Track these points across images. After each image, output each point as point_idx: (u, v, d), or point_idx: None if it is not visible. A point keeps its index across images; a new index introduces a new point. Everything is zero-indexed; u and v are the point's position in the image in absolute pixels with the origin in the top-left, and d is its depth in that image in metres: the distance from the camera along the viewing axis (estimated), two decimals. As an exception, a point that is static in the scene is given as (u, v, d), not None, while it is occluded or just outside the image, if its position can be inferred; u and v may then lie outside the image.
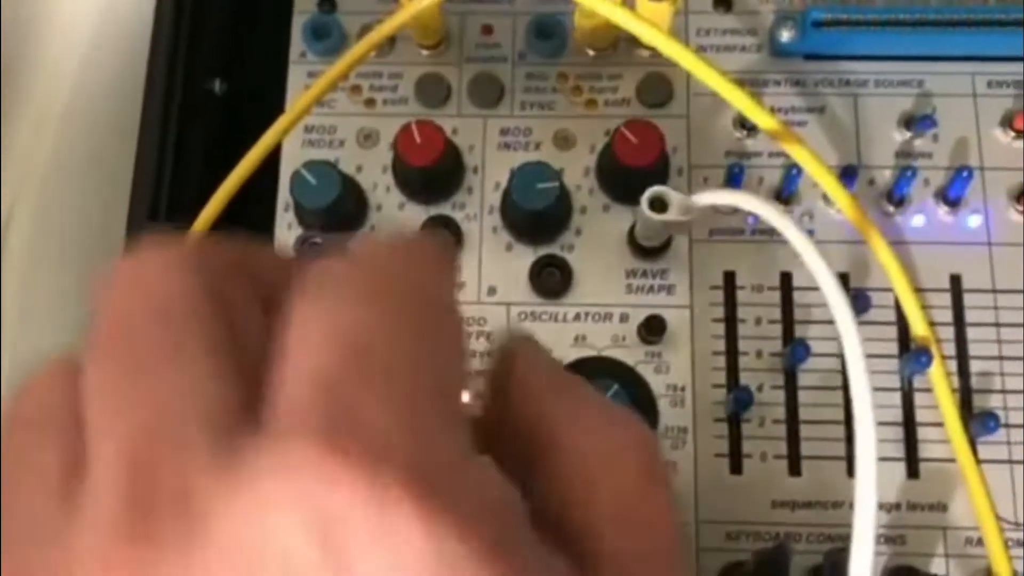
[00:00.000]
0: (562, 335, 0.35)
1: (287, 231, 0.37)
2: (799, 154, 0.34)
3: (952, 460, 0.33)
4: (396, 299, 0.16)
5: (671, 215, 0.32)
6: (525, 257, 0.36)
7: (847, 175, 0.35)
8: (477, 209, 0.37)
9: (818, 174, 0.34)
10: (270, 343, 0.16)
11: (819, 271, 0.27)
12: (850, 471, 0.34)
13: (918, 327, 0.34)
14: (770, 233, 0.36)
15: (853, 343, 0.25)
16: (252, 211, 0.36)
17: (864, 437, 0.24)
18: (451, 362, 0.16)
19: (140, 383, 0.15)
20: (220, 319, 0.16)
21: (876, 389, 0.33)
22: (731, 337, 0.35)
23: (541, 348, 0.20)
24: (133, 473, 0.14)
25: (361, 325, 0.15)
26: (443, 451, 0.15)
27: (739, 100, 0.34)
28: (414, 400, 0.15)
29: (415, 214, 0.37)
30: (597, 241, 0.36)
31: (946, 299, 0.35)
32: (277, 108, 0.38)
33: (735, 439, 0.34)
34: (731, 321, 0.35)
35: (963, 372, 0.35)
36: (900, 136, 0.37)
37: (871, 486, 0.24)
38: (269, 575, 0.13)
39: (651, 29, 0.33)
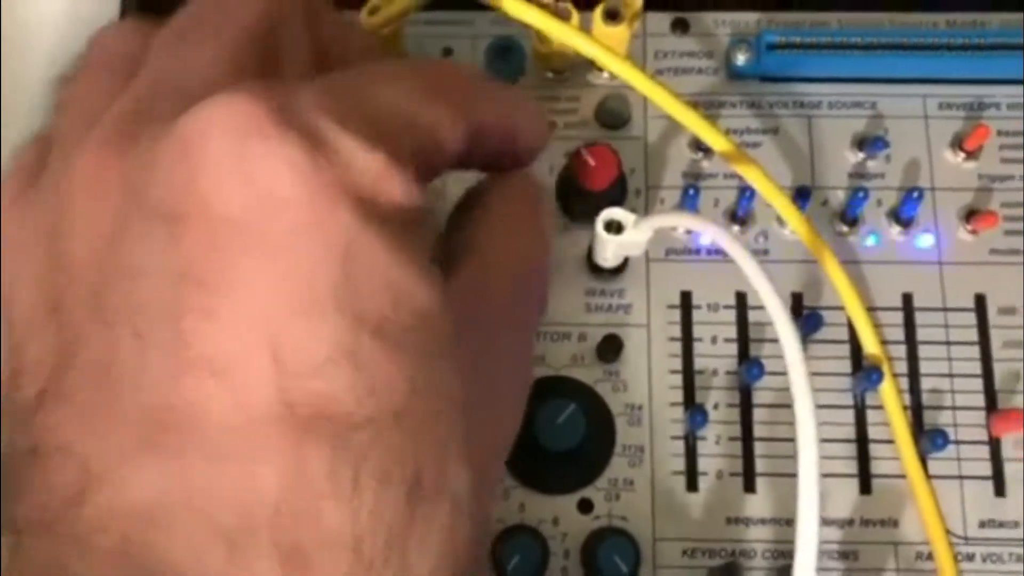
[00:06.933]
0: (521, 355, 0.35)
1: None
2: (752, 175, 0.35)
3: (903, 476, 0.34)
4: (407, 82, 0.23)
5: (626, 237, 0.32)
6: (485, 277, 0.36)
7: (801, 196, 0.36)
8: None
9: (771, 195, 0.35)
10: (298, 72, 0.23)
11: (763, 290, 0.27)
12: (804, 488, 0.34)
13: (870, 345, 0.35)
14: (725, 253, 0.37)
15: (797, 362, 0.25)
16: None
17: (807, 461, 0.25)
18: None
19: (180, 48, 0.22)
20: (264, 22, 0.22)
21: (829, 407, 0.34)
22: (687, 356, 0.36)
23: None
24: (137, 102, 0.21)
25: (365, 90, 0.21)
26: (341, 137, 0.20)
27: (693, 123, 0.35)
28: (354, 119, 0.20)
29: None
30: (556, 261, 0.37)
31: (898, 317, 0.36)
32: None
33: (691, 457, 0.34)
34: (687, 340, 0.36)
35: (914, 390, 0.35)
36: (853, 157, 0.38)
37: (814, 511, 0.24)
38: (197, 154, 0.19)
39: (607, 53, 0.34)
